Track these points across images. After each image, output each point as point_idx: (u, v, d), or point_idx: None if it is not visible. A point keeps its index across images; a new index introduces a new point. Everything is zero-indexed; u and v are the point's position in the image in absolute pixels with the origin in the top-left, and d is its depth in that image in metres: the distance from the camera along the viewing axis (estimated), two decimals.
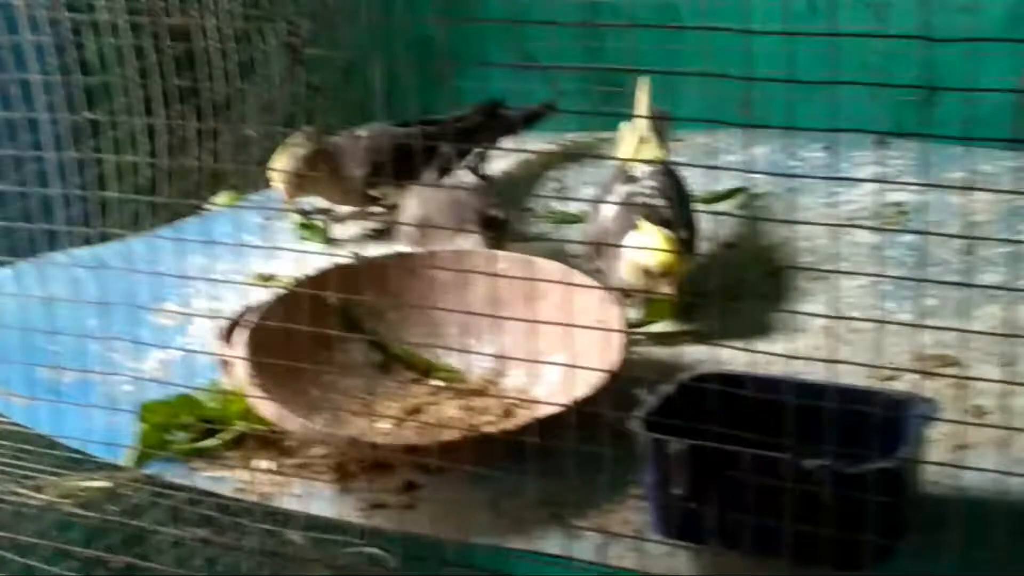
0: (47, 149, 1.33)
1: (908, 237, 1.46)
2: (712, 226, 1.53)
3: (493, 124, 1.72)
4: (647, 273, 1.26)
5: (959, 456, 0.98)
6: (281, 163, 1.53)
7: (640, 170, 1.42)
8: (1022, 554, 0.87)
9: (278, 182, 1.53)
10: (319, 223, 1.61)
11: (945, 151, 1.43)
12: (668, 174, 1.43)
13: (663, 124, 1.56)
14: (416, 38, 1.99)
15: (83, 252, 1.43)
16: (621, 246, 1.28)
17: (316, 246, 1.55)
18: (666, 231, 1.29)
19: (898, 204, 1.56)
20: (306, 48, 1.73)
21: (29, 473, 1.26)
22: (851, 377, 1.06)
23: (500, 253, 1.30)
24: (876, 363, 1.16)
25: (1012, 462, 1.03)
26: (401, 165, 1.52)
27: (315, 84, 1.74)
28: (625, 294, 1.28)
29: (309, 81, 1.71)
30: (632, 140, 1.53)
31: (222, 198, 1.72)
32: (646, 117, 1.53)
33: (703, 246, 1.42)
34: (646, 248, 1.27)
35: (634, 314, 1.30)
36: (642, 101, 1.55)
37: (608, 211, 1.37)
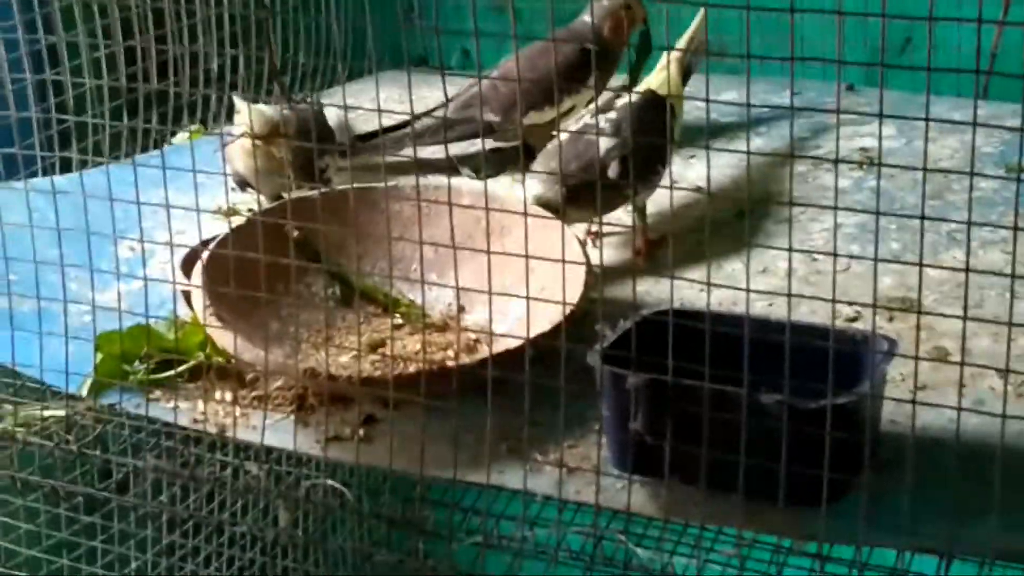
0: (7, 72, 1.30)
1: (873, 182, 1.46)
2: (681, 168, 1.53)
3: None
4: None
5: (918, 397, 0.98)
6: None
7: (621, 101, 1.40)
8: (975, 494, 0.87)
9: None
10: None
11: (915, 99, 1.43)
12: (650, 108, 1.39)
13: (695, 59, 1.51)
14: None
15: (42, 181, 1.42)
16: None
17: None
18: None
19: (864, 149, 1.56)
20: None
21: None
22: (814, 318, 1.06)
23: (464, 187, 1.29)
24: (839, 303, 1.16)
25: (970, 403, 1.04)
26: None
27: (266, 7, 1.70)
28: None
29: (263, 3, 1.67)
30: (657, 70, 1.49)
31: (187, 133, 1.70)
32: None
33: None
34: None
35: None
36: (689, 31, 1.50)
37: (562, 138, 1.36)
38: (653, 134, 1.34)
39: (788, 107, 1.45)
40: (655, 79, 1.46)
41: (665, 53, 1.50)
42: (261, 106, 1.46)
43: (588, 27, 1.62)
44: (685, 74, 1.48)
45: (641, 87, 1.46)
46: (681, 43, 1.48)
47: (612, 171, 1.31)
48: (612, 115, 1.38)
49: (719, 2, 0.77)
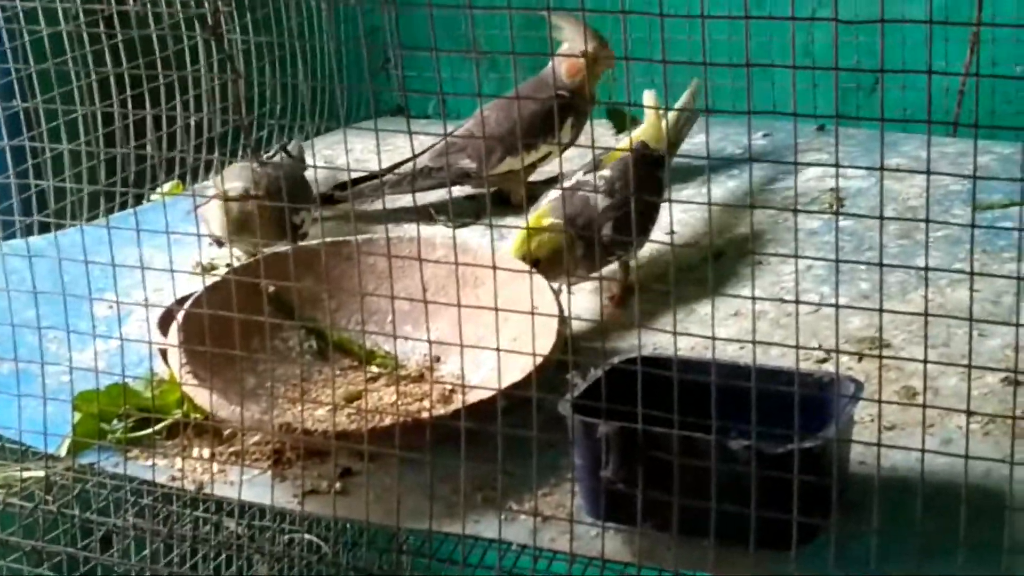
0: None
1: (845, 222, 1.48)
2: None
3: None
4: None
5: (886, 437, 0.99)
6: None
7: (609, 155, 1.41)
8: (942, 532, 0.88)
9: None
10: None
11: (885, 136, 1.44)
12: (643, 163, 1.40)
13: (686, 128, 1.55)
14: (364, 29, 1.98)
15: (19, 243, 1.43)
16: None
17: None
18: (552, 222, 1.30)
19: (835, 190, 1.57)
20: (229, 31, 1.69)
21: None
22: (784, 360, 1.07)
23: (437, 239, 1.30)
24: (808, 346, 1.18)
25: (938, 442, 1.05)
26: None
27: (236, 70, 1.71)
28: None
29: (232, 66, 1.68)
30: (649, 123, 1.51)
31: (165, 190, 1.71)
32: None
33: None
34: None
35: None
36: (682, 100, 1.54)
37: (551, 196, 1.37)
38: (646, 190, 1.36)
39: (747, 158, 1.46)
40: (646, 131, 1.48)
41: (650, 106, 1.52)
42: (232, 177, 1.47)
43: (554, 74, 1.65)
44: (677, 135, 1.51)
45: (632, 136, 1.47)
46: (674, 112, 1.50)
47: (606, 231, 1.32)
48: (605, 172, 1.39)
49: (675, 61, 0.79)
